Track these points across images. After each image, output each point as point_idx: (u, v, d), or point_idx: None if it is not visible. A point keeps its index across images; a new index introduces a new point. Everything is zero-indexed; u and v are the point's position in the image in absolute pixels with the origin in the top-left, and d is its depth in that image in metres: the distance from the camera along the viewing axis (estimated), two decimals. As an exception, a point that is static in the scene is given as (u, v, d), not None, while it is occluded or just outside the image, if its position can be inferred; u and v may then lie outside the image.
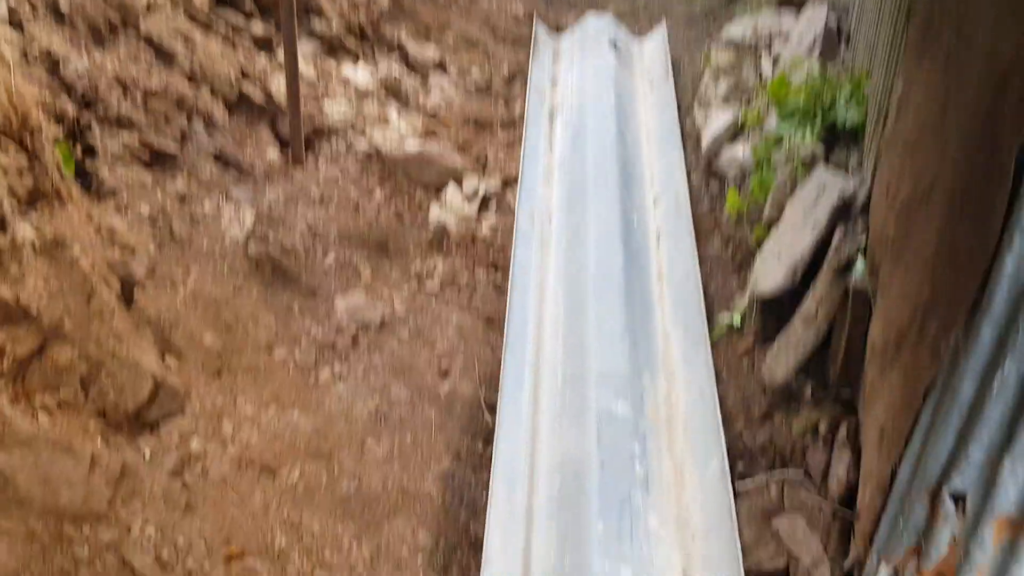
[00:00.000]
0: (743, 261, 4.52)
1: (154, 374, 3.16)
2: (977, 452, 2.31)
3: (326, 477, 3.40)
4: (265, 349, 3.75)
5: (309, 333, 3.92)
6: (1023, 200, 2.12)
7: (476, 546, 3.39)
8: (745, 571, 3.21)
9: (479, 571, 3.14)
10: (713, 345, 4.10)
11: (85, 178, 3.75)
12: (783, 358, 3.74)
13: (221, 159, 4.43)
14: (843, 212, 3.80)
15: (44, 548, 2.68)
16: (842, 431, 3.32)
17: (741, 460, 3.67)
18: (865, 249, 3.50)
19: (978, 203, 2.36)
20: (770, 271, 3.92)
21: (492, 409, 3.81)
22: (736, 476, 3.56)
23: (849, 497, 3.24)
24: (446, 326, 4.19)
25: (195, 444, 3.22)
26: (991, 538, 2.36)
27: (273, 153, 4.71)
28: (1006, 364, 2.16)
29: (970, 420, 2.31)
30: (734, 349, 4.13)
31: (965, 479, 2.38)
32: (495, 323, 4.26)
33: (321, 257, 4.22)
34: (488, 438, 3.80)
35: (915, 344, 2.60)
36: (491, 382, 4.02)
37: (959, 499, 2.44)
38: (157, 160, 4.12)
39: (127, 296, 3.32)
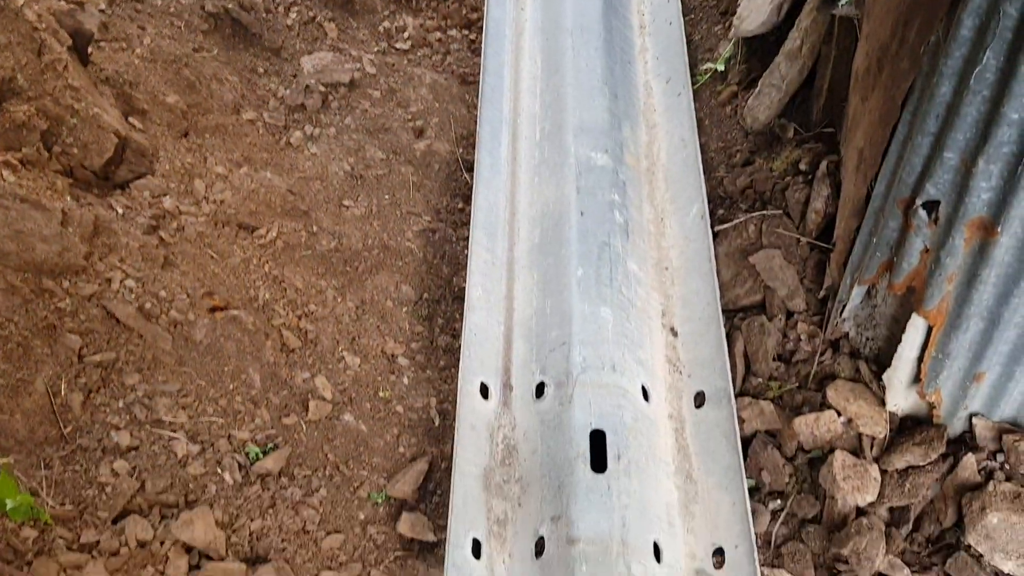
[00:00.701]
0: (728, 7, 4.33)
1: (117, 131, 3.08)
2: (952, 155, 2.29)
3: (305, 235, 3.40)
4: (232, 110, 3.65)
5: (276, 94, 3.81)
6: None
7: (459, 298, 3.44)
8: (723, 308, 3.27)
9: (462, 319, 3.20)
10: (696, 94, 4.00)
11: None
12: (766, 98, 3.64)
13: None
14: (830, -59, 3.60)
15: (26, 301, 2.70)
16: (822, 166, 3.28)
17: (722, 206, 3.66)
18: (851, -24, 3.34)
19: None
20: (755, 8, 3.76)
21: (470, 168, 3.76)
22: (716, 221, 3.56)
23: (827, 231, 3.25)
24: (419, 86, 4.07)
25: (168, 202, 3.19)
26: (961, 243, 2.38)
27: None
28: (985, 55, 2.09)
29: (947, 122, 2.27)
30: (717, 96, 4.04)
31: (938, 186, 2.37)
32: (470, 82, 4.13)
33: (283, 14, 4.03)
34: (467, 196, 3.78)
35: (895, 56, 2.51)
36: (468, 141, 3.95)
37: (932, 208, 2.44)
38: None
39: (81, 54, 3.19)
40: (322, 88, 3.90)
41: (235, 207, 3.32)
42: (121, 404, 2.74)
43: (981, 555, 2.63)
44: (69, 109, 2.95)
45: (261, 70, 3.87)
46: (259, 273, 3.21)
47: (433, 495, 2.95)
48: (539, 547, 2.71)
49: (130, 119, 3.31)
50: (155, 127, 3.38)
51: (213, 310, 3.01)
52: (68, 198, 2.91)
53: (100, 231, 2.93)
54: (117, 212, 3.04)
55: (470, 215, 3.48)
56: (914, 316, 2.64)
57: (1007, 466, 2.74)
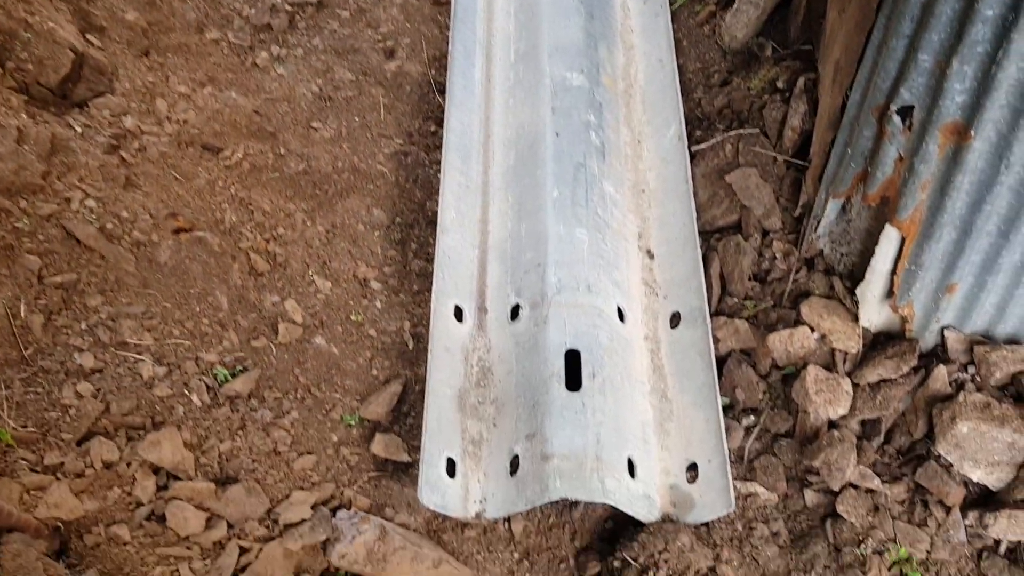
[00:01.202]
0: (707, -75, 4.22)
1: (74, 47, 2.98)
2: (926, 57, 2.24)
3: (272, 157, 3.32)
4: (195, 29, 3.54)
5: (241, 14, 3.69)
6: None
7: (432, 222, 3.38)
8: (699, 229, 3.24)
9: (435, 243, 3.14)
10: (674, 14, 3.92)
11: None
12: (744, 16, 3.57)
13: None
14: None
15: (-18, 221, 2.63)
16: (800, 83, 3.23)
17: (699, 126, 3.61)
18: None
19: None
20: (731, -76, 3.66)
21: (442, 90, 3.68)
22: (694, 142, 3.51)
23: (803, 148, 3.21)
24: (390, 6, 3.96)
25: (129, 122, 3.10)
26: (935, 149, 2.34)
27: None
28: (962, -51, 2.03)
29: (921, 23, 2.22)
30: (695, 16, 3.95)
31: (913, 90, 2.33)
32: (443, 1, 4.02)
33: (246, -70, 3.91)
34: (439, 119, 3.70)
35: (873, -40, 2.45)
36: (440, 62, 3.86)
37: (906, 114, 2.40)
38: None
39: (34, -33, 3.07)
40: (288, 7, 3.78)
41: (199, 127, 3.24)
42: (84, 326, 2.69)
43: (951, 464, 2.64)
44: (22, 23, 2.84)
45: (224, -12, 3.76)
46: (225, 195, 3.14)
47: (407, 417, 2.93)
48: (514, 465, 2.70)
49: (88, 36, 3.20)
50: (114, 45, 3.27)
51: (178, 231, 2.95)
52: (24, 115, 2.82)
53: (58, 150, 2.84)
54: (75, 131, 2.95)
55: (443, 138, 3.41)
56: (887, 228, 2.61)
57: (978, 377, 2.74)
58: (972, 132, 2.24)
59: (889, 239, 2.64)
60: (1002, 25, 2.07)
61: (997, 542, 2.62)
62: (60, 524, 2.35)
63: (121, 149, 3.03)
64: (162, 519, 2.45)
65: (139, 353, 2.70)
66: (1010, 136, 2.22)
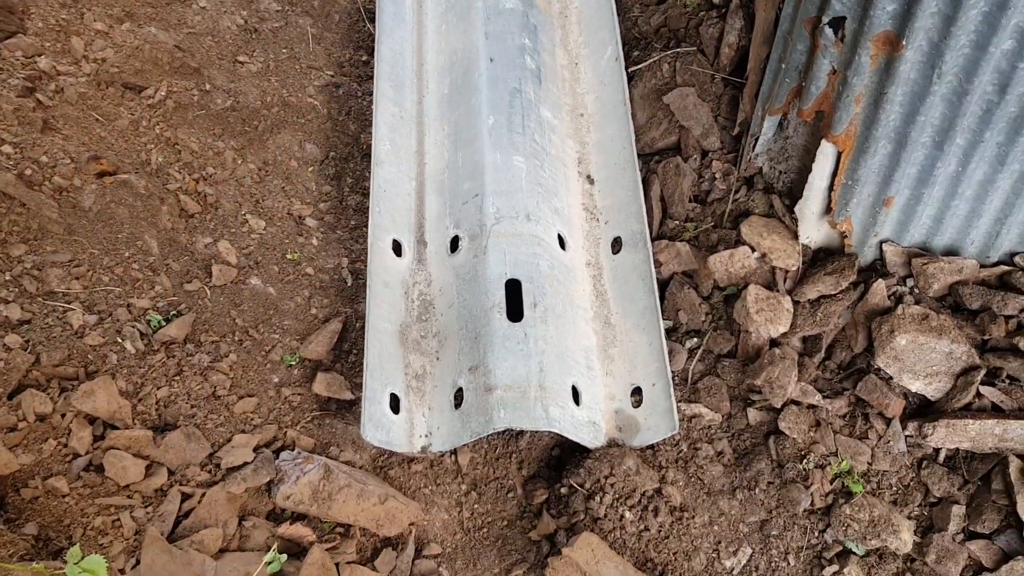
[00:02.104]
0: None
1: (-24, -16, 2.83)
2: (857, -35, 2.19)
3: (198, 94, 3.20)
4: (109, -39, 3.37)
5: (158, -57, 3.52)
6: None
7: (367, 155, 3.30)
8: (639, 152, 3.20)
9: (371, 177, 3.07)
10: (607, -69, 3.80)
11: None
12: (677, -69, 3.48)
13: None
14: None
15: None
16: (735, -1, 3.16)
17: (637, 47, 3.54)
18: None
19: None
20: None
21: (373, 18, 3.56)
22: (631, 63, 3.44)
23: (740, 65, 3.16)
24: (315, -69, 3.81)
25: (43, 63, 2.96)
26: (868, 60, 2.31)
27: None
28: None
29: (851, -71, 2.16)
30: (629, -67, 3.84)
31: (844, 1, 2.27)
32: (370, -74, 3.87)
33: None
34: (371, 49, 3.59)
35: None
36: (370, -11, 3.73)
37: (838, 25, 2.35)
38: None
39: (-74, -101, 2.89)
40: (208, -64, 3.62)
41: (118, 66, 3.10)
42: (8, 277, 2.59)
43: (890, 377, 2.67)
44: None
45: (138, -82, 3.57)
46: (150, 135, 3.03)
47: (348, 355, 2.90)
48: (458, 398, 2.69)
49: (-8, -25, 3.04)
50: (21, -18, 3.11)
51: (101, 175, 2.84)
52: (-75, 60, 2.67)
53: (-34, 94, 2.71)
54: (-16, 74, 2.81)
55: (374, 68, 3.30)
56: (823, 143, 2.59)
57: (916, 290, 2.76)
58: (904, 42, 2.21)
59: (825, 154, 2.63)
60: (930, -71, 2.03)
61: (936, 451, 2.68)
62: (-6, 479, 2.31)
63: (37, 91, 2.89)
64: (100, 469, 2.41)
65: (68, 302, 2.62)
66: (941, 45, 2.19)
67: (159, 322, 2.70)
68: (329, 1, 3.64)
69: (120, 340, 2.62)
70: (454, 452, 2.74)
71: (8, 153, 2.71)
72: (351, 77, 3.51)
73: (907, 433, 2.67)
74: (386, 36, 3.39)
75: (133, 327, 2.66)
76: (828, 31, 2.37)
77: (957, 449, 2.66)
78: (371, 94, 3.37)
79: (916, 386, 2.66)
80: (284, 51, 3.45)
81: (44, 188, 2.73)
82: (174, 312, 2.75)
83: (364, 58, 3.57)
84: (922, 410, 2.72)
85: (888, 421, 2.68)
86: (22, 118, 2.79)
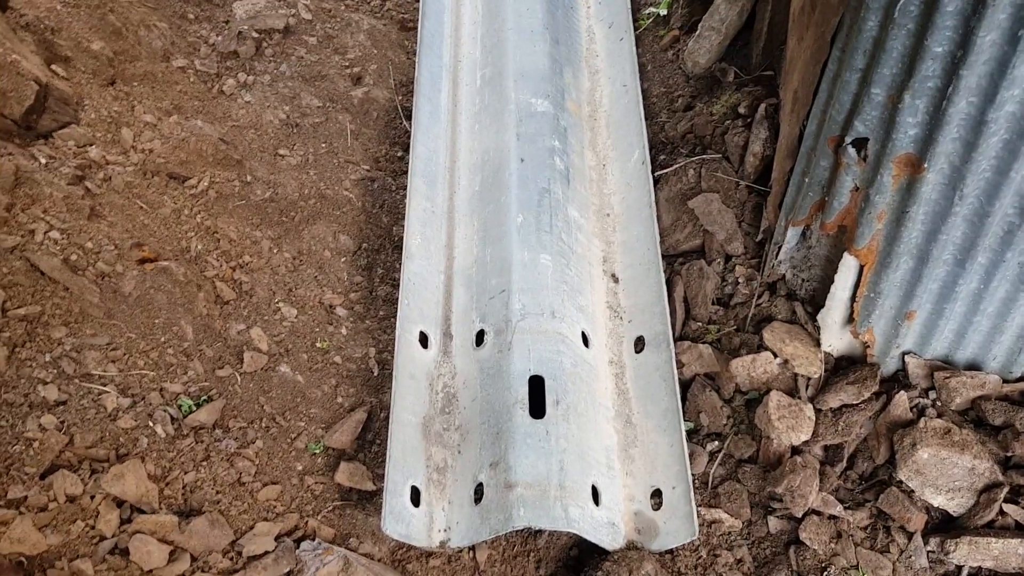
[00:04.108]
0: (671, -48, 4.27)
1: (38, 79, 2.97)
2: (879, 91, 2.28)
3: (239, 185, 3.32)
4: (161, 57, 3.54)
5: (208, 41, 3.70)
6: None
7: (399, 247, 3.40)
8: (663, 253, 3.27)
9: (401, 269, 3.16)
10: (638, 38, 3.96)
11: None
12: (706, 42, 3.61)
13: None
14: None
15: (-56, 254, 2.62)
16: (761, 109, 3.27)
17: (663, 151, 3.64)
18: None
19: None
20: (694, -49, 3.71)
21: (409, 116, 3.70)
22: (658, 166, 3.55)
23: (765, 173, 3.25)
24: (357, 32, 3.98)
25: (94, 152, 3.10)
26: (890, 180, 2.38)
27: None
28: (908, -13, 2.07)
29: (873, 57, 2.25)
30: (659, 41, 3.99)
31: (867, 122, 2.36)
32: (410, 28, 4.05)
33: (214, -42, 3.92)
34: (406, 145, 3.72)
35: (826, -8, 2.49)
36: (407, 88, 3.88)
37: (860, 145, 2.43)
38: None
39: (-2, -1, 3.08)
40: (255, 34, 3.80)
41: (165, 156, 3.23)
42: (48, 358, 2.67)
43: (912, 490, 2.67)
44: (-16, 55, 2.84)
45: (191, 16, 3.76)
46: (191, 224, 3.14)
47: (372, 445, 2.93)
48: (478, 493, 2.71)
49: (53, 67, 3.20)
50: (79, 75, 3.27)
51: (143, 261, 2.94)
52: (-14, 147, 2.81)
53: (22, 182, 2.83)
54: (40, 162, 2.94)
55: (409, 163, 3.42)
56: (846, 256, 2.65)
57: (938, 403, 2.78)
58: (925, 164, 2.28)
59: (848, 267, 2.68)
60: (951, 61, 2.11)
61: (959, 568, 2.65)
62: (23, 559, 2.33)
63: (86, 180, 3.02)
64: (125, 553, 2.44)
65: (103, 384, 2.69)
66: (963, 168, 2.26)
67: (190, 407, 2.76)
68: (368, 99, 3.79)
69: (151, 424, 2.68)
70: (472, 548, 2.74)
71: (56, 239, 2.82)
72: (386, 172, 3.63)
73: (929, 548, 2.65)
74: (421, 134, 3.52)
75: (165, 411, 2.72)
76: (851, 150, 2.45)
77: (980, 567, 2.63)
78: (404, 188, 3.48)
79: (938, 501, 2.65)
80: (323, 145, 3.59)
81: (87, 273, 2.83)
82: (205, 397, 2.81)
83: (399, 153, 3.70)
84: (944, 525, 2.70)
85: (910, 535, 2.66)
86: (71, 205, 2.91)
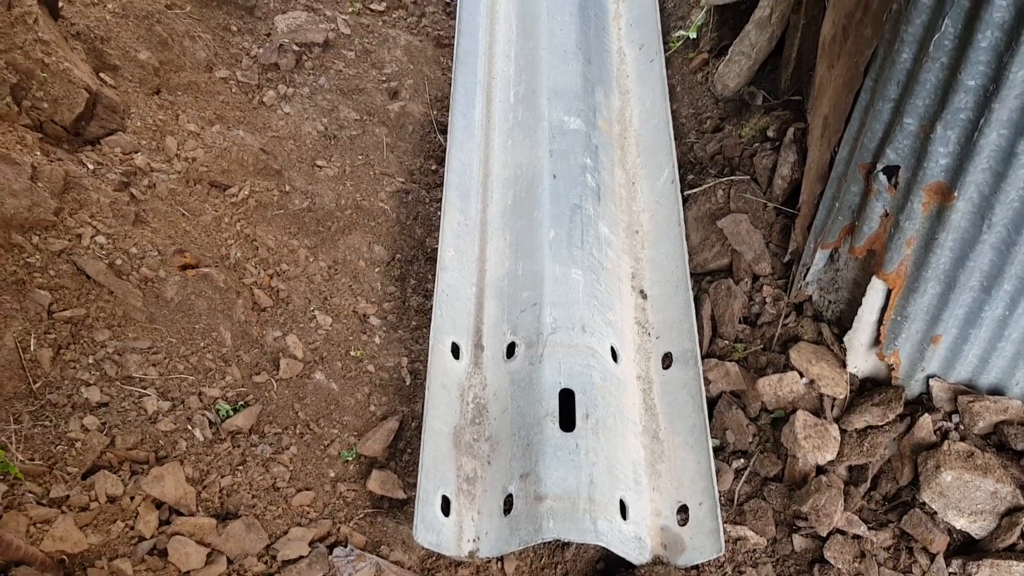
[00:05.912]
0: (702, -26, 4.34)
1: (88, 86, 3.06)
2: (911, 121, 2.33)
3: (278, 194, 3.40)
4: (205, 68, 3.63)
5: (250, 53, 3.79)
6: None
7: (431, 259, 3.46)
8: (691, 271, 3.32)
9: (434, 280, 3.22)
10: (668, 60, 4.02)
11: None
12: (736, 66, 3.67)
13: None
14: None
15: (-5, 256, 2.70)
16: (790, 133, 3.32)
17: (692, 171, 3.70)
18: (824, -57, 3.36)
19: None
20: (727, -24, 3.78)
21: (444, 130, 3.77)
22: (686, 186, 3.60)
23: (792, 196, 3.30)
24: (394, 47, 4.06)
25: (139, 159, 3.18)
26: (920, 207, 2.43)
27: None
28: (944, 22, 2.13)
29: (907, 88, 2.31)
30: (689, 63, 4.05)
31: (898, 151, 2.41)
32: (445, 44, 4.13)
33: (257, -28, 4.01)
34: (441, 158, 3.79)
35: (859, 23, 2.55)
36: (442, 103, 3.95)
37: (892, 173, 2.48)
38: None
39: (51, 8, 3.15)
40: (296, 48, 3.88)
41: (207, 165, 3.31)
42: (91, 360, 2.75)
43: (935, 512, 2.71)
44: (39, 63, 2.93)
45: (234, 28, 3.85)
46: (231, 231, 3.21)
47: (403, 453, 2.99)
48: (508, 504, 2.76)
49: (101, 75, 3.29)
50: (126, 83, 3.36)
51: (184, 267, 3.02)
52: (38, 153, 2.89)
53: (70, 187, 2.92)
54: (88, 168, 3.03)
55: (443, 177, 3.49)
56: (874, 279, 2.70)
57: (961, 426, 2.82)
58: (955, 193, 2.33)
59: (876, 290, 2.73)
60: (984, 95, 2.16)
61: (979, 588, 2.69)
62: (65, 557, 2.40)
63: (131, 186, 3.10)
64: (164, 554, 2.50)
65: (144, 387, 2.76)
66: (992, 198, 2.31)
67: (227, 411, 2.83)
68: (404, 113, 3.86)
69: (190, 427, 2.75)
70: (501, 559, 2.79)
71: (101, 243, 2.90)
72: (420, 184, 3.70)
73: (951, 570, 2.69)
74: (456, 148, 3.59)
75: (203, 415, 2.79)
76: (882, 177, 2.50)
77: (1001, 589, 2.67)
78: (438, 201, 3.55)
79: (961, 523, 2.69)
80: (360, 157, 3.66)
81: (131, 278, 2.90)
82: (242, 403, 2.88)
83: (433, 167, 3.77)
84: (966, 547, 2.74)
85: (932, 557, 2.70)
86: (117, 211, 2.99)
